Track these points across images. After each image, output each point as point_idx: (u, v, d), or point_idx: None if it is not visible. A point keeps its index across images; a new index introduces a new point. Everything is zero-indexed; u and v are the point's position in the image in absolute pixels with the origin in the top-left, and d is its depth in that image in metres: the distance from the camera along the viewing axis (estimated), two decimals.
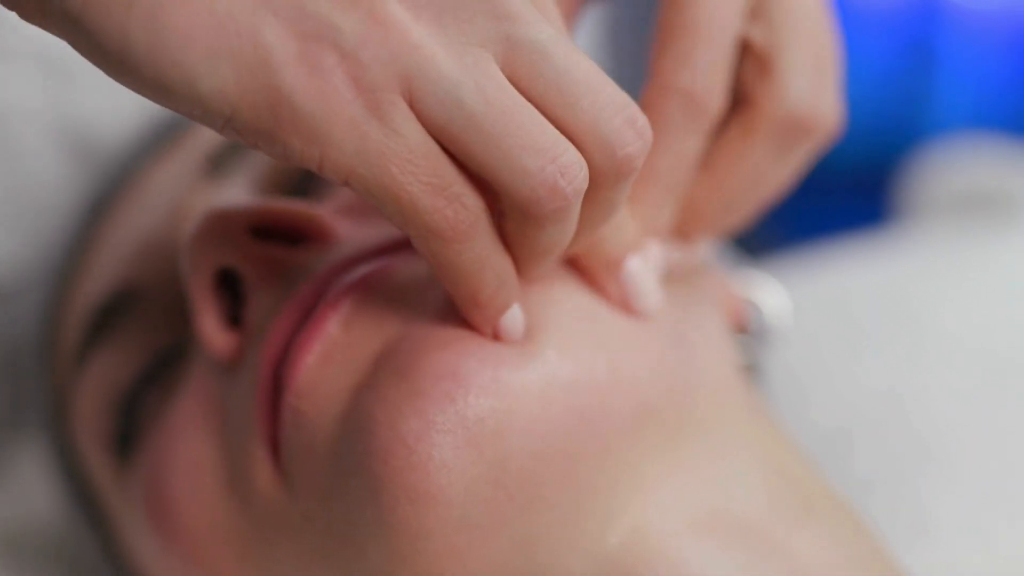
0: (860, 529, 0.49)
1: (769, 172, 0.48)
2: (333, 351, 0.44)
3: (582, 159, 0.39)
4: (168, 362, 0.53)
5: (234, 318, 0.48)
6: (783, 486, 0.48)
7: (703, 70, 0.45)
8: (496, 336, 0.43)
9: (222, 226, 0.46)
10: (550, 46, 0.39)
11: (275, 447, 0.45)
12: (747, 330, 0.58)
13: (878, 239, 0.95)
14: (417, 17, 0.37)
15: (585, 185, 0.39)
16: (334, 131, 0.37)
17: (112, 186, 0.61)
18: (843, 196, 1.40)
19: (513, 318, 0.43)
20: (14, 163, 0.67)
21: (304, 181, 0.53)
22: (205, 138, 0.57)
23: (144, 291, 0.54)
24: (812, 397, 0.73)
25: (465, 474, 0.42)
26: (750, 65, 0.48)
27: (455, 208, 0.39)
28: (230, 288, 0.48)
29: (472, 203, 0.39)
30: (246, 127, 0.37)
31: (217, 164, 0.55)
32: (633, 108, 0.40)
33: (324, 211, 0.48)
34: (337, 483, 0.43)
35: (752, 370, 0.58)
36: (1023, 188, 0.99)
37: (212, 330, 0.47)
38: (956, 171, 1.07)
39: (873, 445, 0.69)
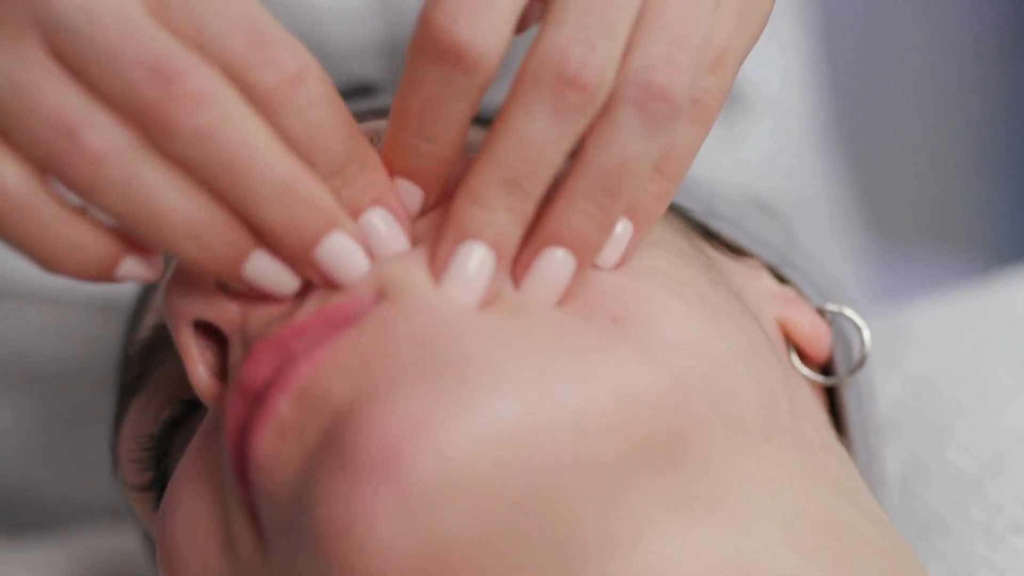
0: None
1: (539, 134, 0.43)
2: (285, 430, 0.43)
3: (112, 132, 0.41)
4: (195, 406, 0.53)
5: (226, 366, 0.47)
6: (819, 536, 0.45)
7: (465, 8, 0.42)
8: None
9: (191, 277, 0.46)
10: (78, 23, 0.41)
11: (254, 513, 0.45)
12: (826, 353, 0.54)
13: None
14: None
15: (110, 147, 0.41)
16: None
17: None
18: None
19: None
20: None
21: None
22: None
23: None
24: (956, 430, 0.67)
25: (406, 554, 0.40)
26: None
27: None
28: (222, 334, 0.47)
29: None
30: None
31: None
32: (162, 61, 0.41)
33: None
34: (296, 556, 0.43)
35: (837, 394, 0.55)
36: None
37: (199, 381, 0.47)
38: None
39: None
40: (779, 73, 0.86)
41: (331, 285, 0.45)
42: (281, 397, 0.43)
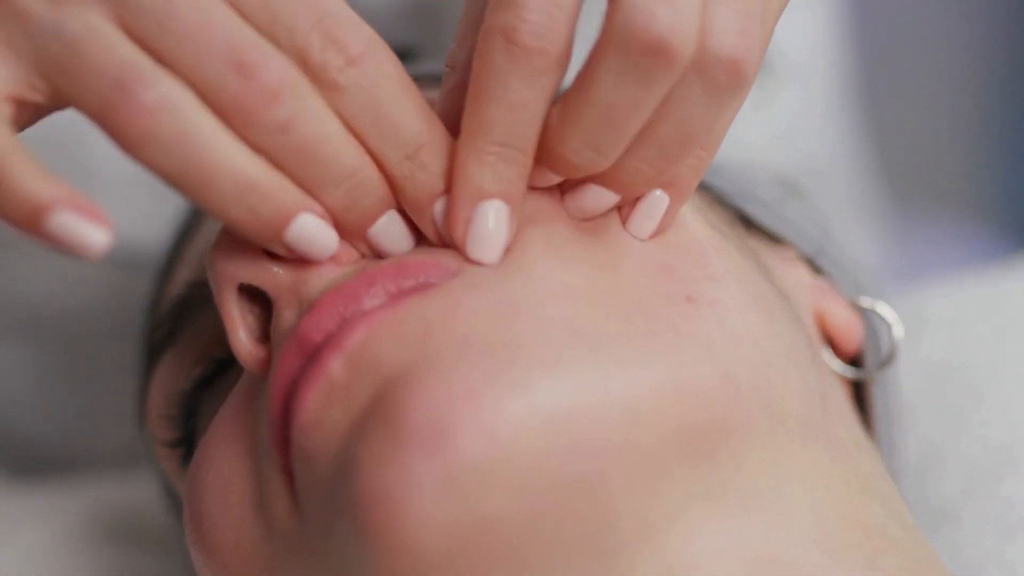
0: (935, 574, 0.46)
1: (625, 101, 0.42)
2: (334, 391, 0.43)
3: (168, 88, 0.41)
4: (227, 366, 0.53)
5: (266, 331, 0.47)
6: (847, 535, 0.45)
7: (531, 7, 0.41)
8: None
9: (236, 241, 0.46)
10: (157, 9, 0.41)
11: (290, 477, 0.45)
12: (857, 346, 0.54)
13: None
14: None
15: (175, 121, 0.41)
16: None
17: None
18: None
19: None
20: None
21: None
22: None
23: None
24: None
25: (443, 530, 0.41)
26: None
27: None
28: (264, 300, 0.47)
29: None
30: None
31: None
32: (242, 52, 0.41)
33: None
34: (334, 521, 0.43)
35: (864, 386, 0.55)
36: None
37: (239, 345, 0.46)
38: None
39: None
40: (808, 42, 0.85)
41: (382, 257, 0.45)
42: (334, 356, 0.43)
